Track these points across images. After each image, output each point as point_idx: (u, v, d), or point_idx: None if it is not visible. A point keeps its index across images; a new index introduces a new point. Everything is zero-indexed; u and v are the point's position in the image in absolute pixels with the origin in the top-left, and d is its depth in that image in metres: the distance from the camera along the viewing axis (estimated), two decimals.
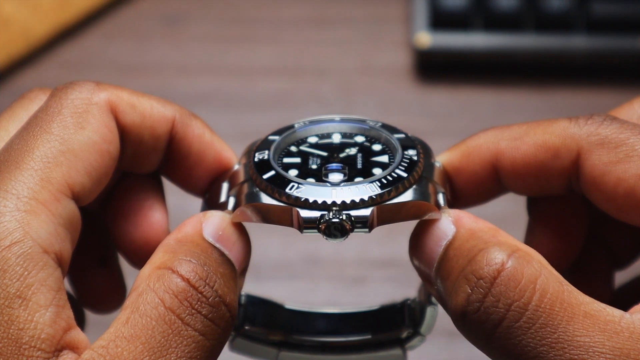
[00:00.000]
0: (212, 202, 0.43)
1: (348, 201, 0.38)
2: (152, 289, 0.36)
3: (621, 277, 0.49)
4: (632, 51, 0.83)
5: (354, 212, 0.38)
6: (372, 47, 0.89)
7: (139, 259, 0.44)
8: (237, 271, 0.39)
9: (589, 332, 0.35)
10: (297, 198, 0.38)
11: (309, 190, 0.39)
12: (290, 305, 0.47)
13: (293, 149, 0.42)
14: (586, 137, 0.40)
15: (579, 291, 0.36)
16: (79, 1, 0.90)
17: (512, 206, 0.59)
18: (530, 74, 0.85)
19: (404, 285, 0.69)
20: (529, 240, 0.45)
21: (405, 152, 0.41)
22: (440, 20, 0.84)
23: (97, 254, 0.46)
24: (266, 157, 0.41)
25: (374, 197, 0.38)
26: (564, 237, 0.44)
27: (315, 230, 0.38)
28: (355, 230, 0.38)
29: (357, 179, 0.40)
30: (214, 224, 0.40)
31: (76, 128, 0.39)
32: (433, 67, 0.86)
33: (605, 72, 0.84)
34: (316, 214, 0.38)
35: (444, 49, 0.84)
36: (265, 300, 0.47)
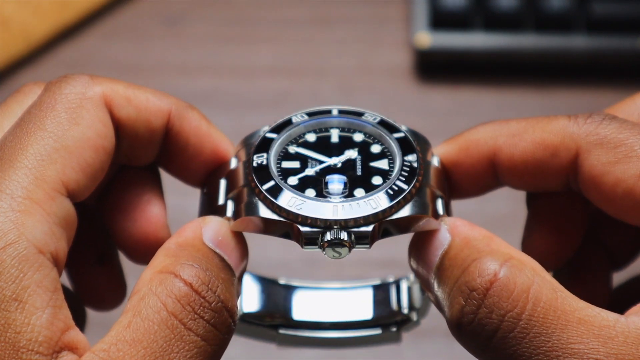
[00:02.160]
0: (210, 201, 0.43)
1: (349, 219, 0.38)
2: (155, 293, 0.36)
3: (619, 278, 0.48)
4: (632, 51, 0.83)
5: (355, 230, 0.38)
6: (372, 47, 0.89)
7: (138, 254, 0.43)
8: (236, 277, 0.39)
9: (583, 338, 0.35)
10: (298, 215, 0.38)
11: (310, 207, 0.38)
12: (285, 281, 0.47)
13: (291, 150, 0.42)
14: (585, 136, 0.40)
15: (573, 296, 0.36)
16: (79, 1, 0.90)
17: (510, 205, 0.59)
18: (531, 74, 0.85)
19: None
20: (527, 236, 0.45)
21: (405, 158, 0.41)
22: (440, 20, 0.84)
23: (96, 251, 0.46)
24: (265, 162, 0.40)
25: (375, 214, 0.38)
26: (562, 232, 0.44)
27: (316, 247, 0.38)
28: (356, 247, 0.38)
29: (357, 191, 0.40)
30: (213, 230, 0.39)
31: (70, 124, 0.38)
32: (433, 67, 0.86)
33: (605, 72, 0.84)
34: (317, 231, 0.38)
35: (444, 49, 0.84)
36: (261, 278, 0.47)
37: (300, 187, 0.40)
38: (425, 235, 0.40)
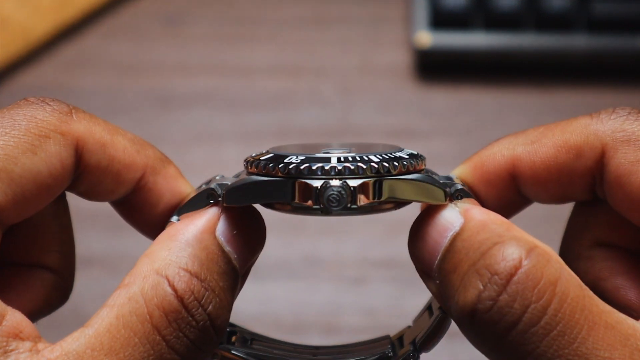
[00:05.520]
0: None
1: (348, 167, 0.36)
2: (144, 296, 0.34)
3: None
4: (633, 51, 0.83)
5: (354, 184, 0.36)
6: (372, 47, 0.89)
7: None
8: (239, 275, 0.37)
9: (609, 344, 0.32)
10: (296, 169, 0.36)
11: (307, 163, 0.36)
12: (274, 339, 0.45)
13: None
14: (610, 133, 0.37)
15: (598, 298, 0.33)
16: (78, 1, 0.90)
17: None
18: (531, 74, 0.85)
19: (404, 286, 0.69)
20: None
21: (406, 150, 0.39)
22: (440, 20, 0.84)
23: (29, 257, 0.41)
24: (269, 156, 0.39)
25: (377, 169, 0.36)
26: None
27: (318, 207, 0.36)
28: (355, 205, 0.36)
29: (359, 153, 0.38)
30: (226, 225, 0.36)
31: (26, 151, 0.35)
32: (433, 67, 0.86)
33: (605, 72, 0.84)
34: (316, 183, 0.36)
35: (445, 48, 0.84)
36: (251, 332, 0.45)
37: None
38: (431, 215, 0.36)
